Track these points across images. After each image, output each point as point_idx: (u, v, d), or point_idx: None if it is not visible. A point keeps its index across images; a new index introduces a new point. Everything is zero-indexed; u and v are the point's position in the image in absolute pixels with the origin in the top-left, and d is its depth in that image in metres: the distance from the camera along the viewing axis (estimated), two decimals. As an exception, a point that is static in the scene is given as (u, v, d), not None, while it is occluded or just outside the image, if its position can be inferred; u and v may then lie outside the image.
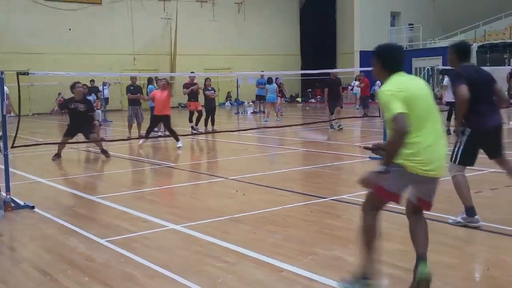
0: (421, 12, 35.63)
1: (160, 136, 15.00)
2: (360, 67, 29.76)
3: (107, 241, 5.48)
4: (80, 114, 11.47)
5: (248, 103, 28.57)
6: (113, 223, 6.29)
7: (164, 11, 32.65)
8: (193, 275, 4.44)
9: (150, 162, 11.34)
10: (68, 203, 7.41)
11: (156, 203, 7.49)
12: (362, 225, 3.99)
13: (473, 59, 29.73)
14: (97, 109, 17.39)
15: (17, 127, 8.08)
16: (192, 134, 16.00)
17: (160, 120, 13.57)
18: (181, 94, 20.60)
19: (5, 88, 8.36)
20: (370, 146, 4.12)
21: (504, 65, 25.59)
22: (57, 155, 11.62)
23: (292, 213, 6.48)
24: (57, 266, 4.80)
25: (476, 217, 5.53)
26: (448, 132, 14.67)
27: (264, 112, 22.52)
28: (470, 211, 5.55)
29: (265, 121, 20.57)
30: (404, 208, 4.19)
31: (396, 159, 3.74)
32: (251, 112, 25.87)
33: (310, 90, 36.20)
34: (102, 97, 23.00)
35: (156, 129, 16.76)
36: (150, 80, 18.30)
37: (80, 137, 11.66)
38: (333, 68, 30.77)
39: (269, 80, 21.76)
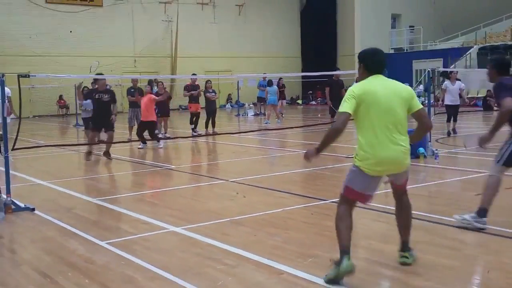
0: (422, 14, 35.66)
1: (161, 139, 14.98)
2: (361, 69, 29.82)
3: (107, 243, 5.48)
4: (104, 104, 11.60)
5: (249, 105, 28.59)
6: (113, 225, 6.30)
7: (165, 13, 32.70)
8: (193, 277, 4.44)
9: (151, 164, 11.34)
10: (69, 205, 7.41)
11: (156, 205, 7.50)
12: (336, 216, 4.43)
13: (474, 62, 29.79)
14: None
15: (18, 129, 8.08)
16: (193, 136, 16.00)
17: (146, 127, 13.41)
18: (181, 97, 20.63)
19: (8, 89, 8.37)
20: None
21: (505, 67, 25.51)
22: (89, 153, 11.66)
23: (292, 215, 6.48)
24: (57, 268, 4.80)
25: (484, 219, 5.49)
26: (448, 133, 14.82)
27: (265, 114, 22.53)
28: (483, 212, 5.50)
29: (266, 123, 20.58)
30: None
31: (327, 147, 4.29)
32: (252, 114, 25.85)
33: (311, 92, 36.22)
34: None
35: (156, 131, 16.80)
36: (150, 83, 18.26)
37: (81, 139, 11.65)
38: (334, 70, 30.86)
39: (269, 83, 21.78)
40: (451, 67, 28.22)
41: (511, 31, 31.41)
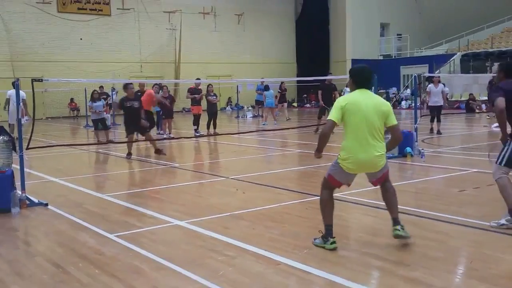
0: (409, 23, 35.72)
1: (165, 139, 14.99)
2: (352, 74, 29.82)
3: (115, 236, 5.47)
4: (135, 111, 11.69)
5: (248, 107, 28.58)
6: (121, 219, 6.29)
7: (169, 22, 32.66)
8: (196, 267, 4.44)
9: (156, 162, 11.33)
10: (80, 200, 7.40)
11: (162, 201, 7.49)
12: (320, 199, 4.97)
13: (457, 67, 29.84)
14: (106, 113, 17.36)
15: (32, 130, 8.08)
16: (195, 136, 16.00)
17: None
18: (184, 100, 20.58)
19: (23, 93, 8.37)
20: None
21: (486, 73, 25.60)
22: (129, 154, 11.70)
23: (289, 210, 6.48)
24: (69, 259, 4.80)
25: None
26: (431, 130, 15.00)
27: (262, 116, 22.54)
28: None
29: (264, 124, 20.58)
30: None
31: (323, 147, 4.85)
32: (251, 116, 25.86)
33: (305, 95, 36.23)
34: (111, 102, 22.99)
35: (161, 131, 16.80)
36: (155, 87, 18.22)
37: (91, 139, 11.64)
38: (326, 75, 30.84)
39: (267, 87, 21.90)
40: (436, 72, 28.28)
41: (492, 39, 31.45)
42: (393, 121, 4.79)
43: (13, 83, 7.50)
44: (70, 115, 29.63)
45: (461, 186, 7.56)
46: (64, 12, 29.37)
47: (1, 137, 6.81)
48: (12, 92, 16.11)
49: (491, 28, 33.58)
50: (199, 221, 5.99)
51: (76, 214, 6.53)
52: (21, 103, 7.50)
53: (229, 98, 34.08)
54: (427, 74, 19.08)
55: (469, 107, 24.63)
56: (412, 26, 35.55)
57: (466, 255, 4.72)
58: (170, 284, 4.14)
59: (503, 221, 5.33)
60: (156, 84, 16.67)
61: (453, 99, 28.26)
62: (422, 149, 10.51)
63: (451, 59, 30.64)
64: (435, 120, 14.96)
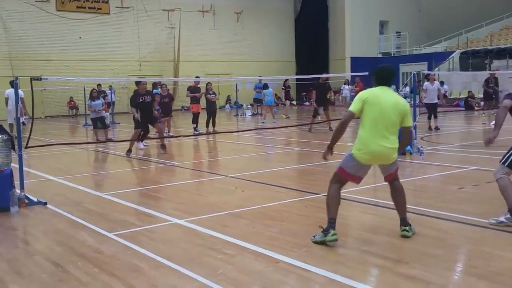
0: (408, 21, 35.69)
1: (164, 137, 14.95)
2: (351, 72, 29.86)
3: (114, 234, 5.47)
4: (147, 105, 11.97)
5: (247, 105, 28.56)
6: (120, 217, 6.28)
7: (168, 20, 32.62)
8: (195, 266, 4.43)
9: (155, 161, 11.33)
10: (78, 199, 7.40)
11: (161, 199, 7.49)
12: (328, 192, 5.03)
13: (456, 65, 29.83)
14: (105, 112, 17.35)
15: (31, 129, 8.07)
16: (194, 135, 15.99)
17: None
18: (183, 98, 20.55)
19: (20, 91, 8.36)
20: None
21: (485, 70, 25.60)
22: (129, 151, 11.85)
23: (288, 208, 6.47)
24: (68, 258, 4.79)
25: None
26: (430, 128, 15.07)
27: (261, 114, 22.53)
28: None
29: (263, 122, 20.57)
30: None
31: (337, 141, 4.96)
32: (250, 115, 25.85)
33: (304, 93, 36.22)
34: (110, 100, 22.98)
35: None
36: (154, 85, 18.28)
37: (90, 137, 11.62)
38: (324, 73, 30.81)
39: (265, 86, 21.92)
40: (435, 70, 28.26)
41: (491, 36, 31.44)
42: (409, 122, 5.03)
43: (10, 82, 7.49)
44: (69, 113, 29.62)
45: (460, 183, 7.56)
46: (63, 10, 29.33)
47: (0, 136, 6.79)
48: (9, 91, 16.10)
49: (490, 25, 33.56)
50: (198, 219, 5.98)
51: (75, 212, 6.52)
52: (19, 102, 7.47)
53: (228, 96, 34.05)
54: (426, 72, 19.11)
55: (468, 104, 24.64)
56: (411, 24, 35.53)
57: (465, 252, 4.72)
58: (169, 283, 4.14)
59: (502, 219, 5.33)
60: (153, 86, 16.76)
61: (452, 96, 28.26)
62: (421, 147, 10.51)
63: (450, 57, 30.64)
64: (432, 117, 15.17)
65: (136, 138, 12.30)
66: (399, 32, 35.84)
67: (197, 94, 16.60)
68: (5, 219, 6.37)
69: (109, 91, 23.34)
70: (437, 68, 29.31)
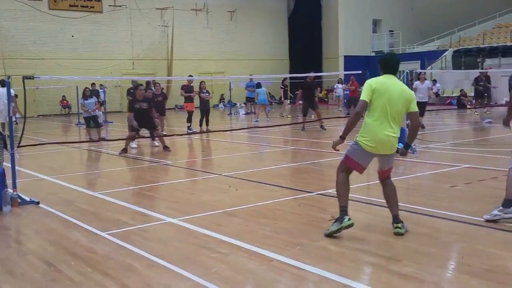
0: (401, 20, 35.76)
1: (165, 136, 14.91)
2: (345, 71, 29.88)
3: (107, 234, 5.45)
4: (144, 112, 11.98)
5: (240, 104, 28.55)
6: (113, 217, 6.26)
7: (161, 19, 32.52)
8: (189, 265, 4.43)
9: (149, 160, 11.30)
10: (71, 198, 7.36)
11: (154, 198, 7.47)
12: (337, 181, 5.17)
13: (449, 63, 29.93)
14: (98, 111, 17.27)
15: (23, 128, 8.03)
16: (188, 133, 15.96)
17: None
18: (177, 97, 20.48)
19: (12, 90, 8.31)
20: None
21: (478, 69, 25.71)
22: (124, 150, 11.88)
23: (281, 206, 6.47)
24: (60, 258, 4.77)
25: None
26: (421, 126, 15.18)
27: (255, 113, 22.54)
28: (508, 203, 5.34)
29: (256, 121, 20.57)
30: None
31: (350, 131, 5.00)
32: (244, 113, 25.84)
33: (297, 92, 36.17)
34: (103, 99, 22.88)
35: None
36: (148, 84, 18.22)
37: (82, 136, 11.57)
38: (317, 72, 30.89)
39: (258, 85, 21.99)
40: (428, 68, 28.35)
41: (483, 35, 31.58)
42: (415, 108, 5.11)
43: (1, 81, 7.44)
44: (62, 112, 29.45)
45: (452, 181, 7.59)
46: (55, 9, 29.15)
47: (-9, 135, 6.75)
48: (1, 90, 16.01)
49: (483, 24, 33.70)
50: (192, 218, 5.97)
51: (68, 212, 6.49)
52: (12, 101, 7.43)
53: (222, 95, 34.02)
54: (419, 70, 19.18)
55: (460, 103, 24.75)
56: (404, 23, 35.61)
57: (458, 250, 4.74)
58: (163, 282, 4.13)
59: (495, 212, 5.37)
60: (147, 85, 16.69)
61: (444, 95, 28.37)
62: (414, 145, 10.52)
63: (442, 55, 30.75)
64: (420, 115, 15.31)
65: (131, 138, 12.27)
66: (392, 31, 35.91)
67: (191, 94, 16.60)
68: (-3, 218, 6.34)
69: (101, 90, 23.24)
70: (430, 67, 29.40)
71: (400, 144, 10.15)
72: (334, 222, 5.04)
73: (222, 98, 34.10)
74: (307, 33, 35.82)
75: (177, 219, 5.97)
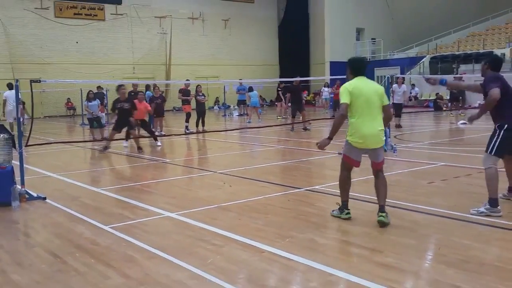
0: (382, 28, 35.87)
1: (140, 137, 14.81)
2: (330, 75, 29.91)
3: (110, 227, 5.42)
4: (125, 112, 11.87)
5: (234, 106, 28.52)
6: (115, 211, 6.23)
7: (160, 26, 32.41)
8: (186, 256, 4.41)
9: (148, 158, 11.25)
10: (76, 194, 7.32)
11: (154, 194, 7.44)
12: (340, 178, 5.41)
13: (426, 69, 30.07)
14: (101, 112, 17.18)
15: (31, 128, 7.97)
16: (185, 134, 15.93)
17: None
18: (175, 99, 20.41)
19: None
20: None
21: (453, 74, 25.85)
22: (106, 148, 11.90)
23: (272, 201, 6.47)
24: (66, 250, 4.74)
25: (499, 207, 5.30)
26: (396, 126, 15.25)
27: (247, 115, 22.54)
28: (494, 202, 5.30)
29: (248, 122, 20.57)
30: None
31: (336, 133, 5.09)
32: (237, 115, 25.83)
33: (287, 95, 36.20)
34: (107, 102, 22.75)
35: (153, 129, 16.67)
36: (147, 87, 18.23)
37: (86, 136, 11.50)
38: (305, 76, 30.89)
39: (250, 88, 22.08)
40: (407, 74, 28.46)
41: (458, 42, 31.76)
42: (387, 101, 5.30)
43: (7, 85, 7.38)
44: (67, 114, 29.26)
45: (430, 178, 7.63)
46: (61, 17, 28.99)
47: (1, 135, 6.70)
48: (7, 93, 15.89)
49: (458, 32, 33.92)
50: (189, 212, 5.96)
51: (73, 207, 6.45)
52: (20, 104, 7.38)
53: (217, 98, 33.95)
54: (399, 76, 19.27)
55: (437, 105, 24.89)
56: (385, 31, 35.72)
57: (435, 242, 4.76)
58: (162, 272, 4.11)
59: (482, 209, 5.36)
60: (146, 88, 16.67)
61: (422, 98, 28.51)
62: (395, 144, 10.58)
63: (420, 62, 30.88)
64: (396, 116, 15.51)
65: (114, 139, 12.22)
66: (374, 39, 36.02)
67: (188, 98, 16.65)
68: (7, 213, 6.29)
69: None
70: (409, 72, 29.52)
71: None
72: (338, 209, 5.44)
73: (217, 101, 34.04)
74: (296, 40, 35.85)
75: (175, 213, 5.95)
